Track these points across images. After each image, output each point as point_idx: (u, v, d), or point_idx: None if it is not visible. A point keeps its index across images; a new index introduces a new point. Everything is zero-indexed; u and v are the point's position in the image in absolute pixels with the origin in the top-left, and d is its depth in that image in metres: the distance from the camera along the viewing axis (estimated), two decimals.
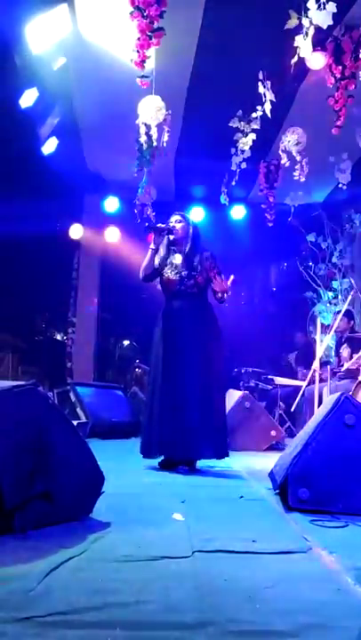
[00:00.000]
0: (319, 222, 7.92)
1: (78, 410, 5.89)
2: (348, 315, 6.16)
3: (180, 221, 4.14)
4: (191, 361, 3.84)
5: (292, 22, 4.12)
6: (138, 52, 4.07)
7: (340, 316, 5.93)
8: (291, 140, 5.53)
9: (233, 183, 6.18)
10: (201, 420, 3.75)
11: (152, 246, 4.09)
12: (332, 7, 3.84)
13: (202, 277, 4.00)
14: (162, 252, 4.10)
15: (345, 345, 5.86)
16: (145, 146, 5.39)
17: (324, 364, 5.81)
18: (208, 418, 3.77)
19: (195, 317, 3.94)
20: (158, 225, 4.18)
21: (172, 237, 4.08)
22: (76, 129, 6.40)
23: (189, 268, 4.01)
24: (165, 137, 5.06)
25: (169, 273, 4.03)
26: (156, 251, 4.09)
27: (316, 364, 5.39)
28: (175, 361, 3.88)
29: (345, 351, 5.81)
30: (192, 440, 3.73)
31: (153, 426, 3.89)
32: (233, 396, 5.66)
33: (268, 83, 4.76)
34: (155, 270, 4.10)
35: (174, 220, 4.14)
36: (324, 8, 3.85)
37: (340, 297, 7.60)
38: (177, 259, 4.06)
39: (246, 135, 5.53)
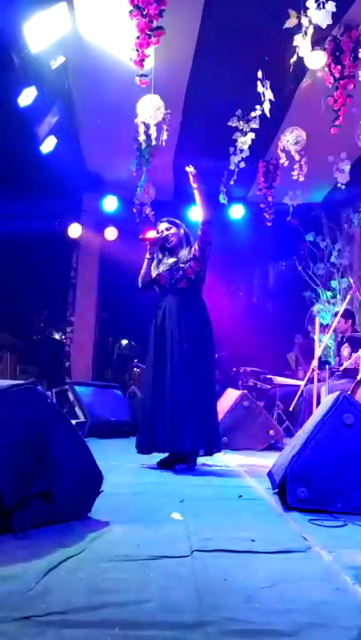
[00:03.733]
0: (318, 222, 7.93)
1: (77, 409, 5.88)
2: (350, 315, 6.16)
3: (170, 228, 4.16)
4: (177, 357, 3.86)
5: (292, 21, 4.12)
6: (137, 50, 4.07)
7: (338, 315, 5.93)
8: (290, 139, 5.53)
9: (232, 182, 6.19)
10: (185, 414, 3.75)
11: (147, 256, 4.12)
12: (331, 6, 3.85)
13: (192, 269, 4.02)
14: (159, 255, 4.16)
15: (346, 344, 5.86)
16: (144, 145, 5.40)
17: (322, 364, 5.81)
18: (192, 413, 3.77)
19: (183, 313, 3.93)
20: (152, 237, 4.20)
21: (169, 245, 4.13)
22: (74, 128, 6.40)
23: (179, 262, 4.06)
24: (164, 136, 5.06)
25: (160, 269, 4.08)
26: (151, 260, 4.12)
27: (314, 364, 5.39)
28: (163, 358, 3.92)
29: (345, 350, 5.81)
30: (176, 434, 3.75)
31: (146, 422, 3.92)
32: (231, 396, 5.66)
33: (268, 82, 4.77)
34: (152, 280, 4.12)
35: (164, 228, 4.16)
36: (324, 7, 3.86)
37: (338, 296, 7.61)
38: (170, 260, 4.12)
39: (245, 134, 5.53)
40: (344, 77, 4.48)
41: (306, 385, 5.72)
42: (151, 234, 4.12)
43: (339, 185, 5.96)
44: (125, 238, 8.03)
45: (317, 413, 2.91)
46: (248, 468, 4.02)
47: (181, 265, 4.03)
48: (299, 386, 5.90)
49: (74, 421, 4.97)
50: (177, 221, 4.27)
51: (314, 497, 2.53)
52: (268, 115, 4.92)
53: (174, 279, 4.02)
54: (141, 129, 5.09)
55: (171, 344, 3.90)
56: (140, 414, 4.14)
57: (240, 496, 2.94)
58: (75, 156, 7.04)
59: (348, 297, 6.16)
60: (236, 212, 8.16)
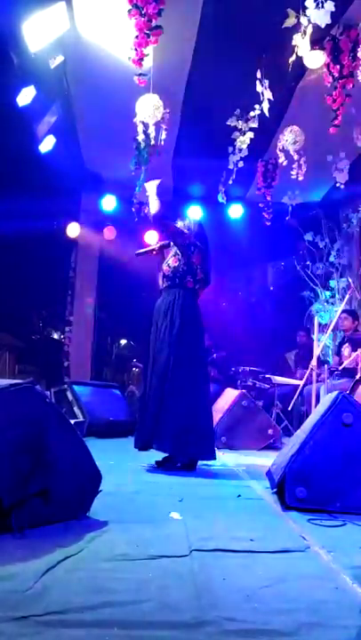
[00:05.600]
0: (317, 221, 7.92)
1: (75, 409, 5.88)
2: (353, 314, 6.17)
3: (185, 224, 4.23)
4: (164, 358, 3.86)
5: (291, 21, 4.11)
6: (136, 50, 4.07)
7: (337, 315, 5.93)
8: (288, 138, 5.52)
9: (230, 182, 6.18)
10: (179, 416, 3.73)
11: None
12: (330, 6, 3.84)
13: (169, 267, 4.07)
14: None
15: (347, 344, 5.87)
16: (143, 144, 5.39)
17: (321, 363, 5.81)
18: (185, 416, 3.74)
19: (170, 313, 3.93)
20: (146, 249, 4.38)
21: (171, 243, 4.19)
22: (73, 127, 6.39)
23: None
24: (163, 135, 5.06)
25: None
26: (159, 270, 4.18)
27: (313, 363, 5.39)
28: (157, 358, 3.93)
29: (346, 350, 5.81)
30: (171, 435, 3.73)
31: (143, 419, 3.93)
32: (230, 395, 5.66)
33: (267, 81, 4.76)
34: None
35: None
36: (323, 7, 3.85)
37: (337, 296, 7.61)
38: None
39: (244, 134, 5.52)
40: (343, 77, 4.48)
41: (305, 384, 5.72)
42: (152, 238, 4.22)
43: (338, 184, 5.96)
44: (124, 238, 8.02)
45: (316, 413, 2.91)
46: (247, 468, 4.03)
47: (163, 266, 4.11)
48: (298, 385, 5.90)
49: (72, 421, 4.97)
50: (186, 221, 4.30)
51: (313, 496, 2.53)
52: (267, 114, 4.92)
53: (162, 280, 4.11)
54: (140, 128, 5.08)
55: (161, 344, 3.91)
56: (138, 411, 4.15)
57: (239, 495, 2.94)
58: (73, 155, 7.03)
59: (347, 296, 6.16)
60: (235, 211, 8.16)
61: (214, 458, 3.87)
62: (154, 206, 4.01)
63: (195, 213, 7.96)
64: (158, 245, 4.30)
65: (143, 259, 4.53)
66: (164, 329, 3.90)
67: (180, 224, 4.18)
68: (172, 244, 4.14)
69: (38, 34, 4.33)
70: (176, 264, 4.03)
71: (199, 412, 3.85)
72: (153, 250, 4.30)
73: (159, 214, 4.02)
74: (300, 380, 5.96)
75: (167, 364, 3.83)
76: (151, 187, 4.04)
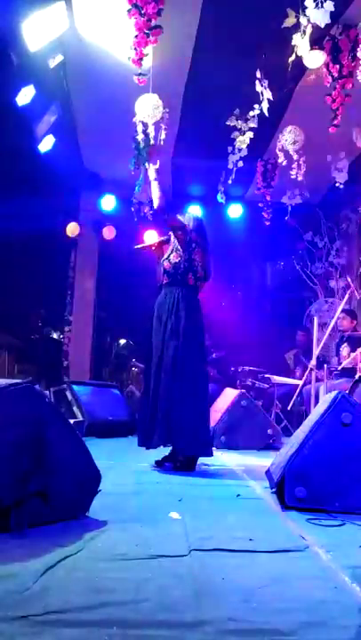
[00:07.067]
0: (316, 221, 7.92)
1: (75, 408, 5.87)
2: (352, 314, 6.17)
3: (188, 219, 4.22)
4: (164, 356, 3.87)
5: (290, 20, 4.11)
6: (135, 49, 4.07)
7: (337, 314, 5.93)
8: (288, 138, 5.52)
9: (230, 182, 6.18)
10: (176, 415, 3.74)
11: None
12: (329, 6, 3.84)
13: (169, 263, 4.04)
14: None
15: (345, 344, 5.87)
16: (142, 144, 5.38)
17: (321, 363, 5.81)
18: (183, 414, 3.74)
19: (171, 310, 3.93)
20: (145, 244, 4.39)
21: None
22: (72, 127, 6.39)
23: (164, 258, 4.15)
24: (163, 135, 5.06)
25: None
26: (158, 264, 4.17)
27: (313, 363, 5.39)
28: (157, 354, 3.93)
29: (345, 350, 5.81)
30: (169, 432, 3.74)
31: (144, 416, 3.93)
32: (230, 395, 5.66)
33: (266, 81, 4.76)
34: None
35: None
36: (322, 6, 3.85)
37: (336, 296, 7.61)
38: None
39: (243, 133, 5.52)
40: (342, 76, 4.48)
41: (304, 384, 5.72)
42: (151, 236, 4.18)
43: (337, 184, 5.96)
44: (124, 237, 8.02)
45: (316, 413, 2.91)
46: (246, 468, 4.02)
47: (163, 261, 4.10)
48: (297, 385, 5.90)
49: (72, 421, 4.97)
50: (185, 216, 4.29)
51: (312, 496, 2.53)
52: (266, 114, 4.92)
53: (163, 275, 4.09)
54: (140, 128, 5.08)
55: (167, 342, 3.90)
56: (140, 409, 4.15)
57: (238, 495, 2.94)
58: (73, 154, 7.03)
59: (347, 296, 6.16)
60: (235, 211, 8.15)
61: (212, 455, 3.89)
62: (156, 198, 4.00)
63: (195, 211, 7.96)
64: (158, 241, 4.29)
65: (144, 256, 4.53)
66: (170, 327, 3.89)
67: (180, 218, 4.18)
68: (172, 239, 4.13)
69: (38, 33, 4.33)
70: (177, 260, 4.02)
71: (201, 409, 3.89)
72: (153, 245, 4.29)
73: (162, 206, 4.00)
74: (300, 379, 5.97)
75: (175, 361, 3.83)
76: (151, 172, 4.05)
